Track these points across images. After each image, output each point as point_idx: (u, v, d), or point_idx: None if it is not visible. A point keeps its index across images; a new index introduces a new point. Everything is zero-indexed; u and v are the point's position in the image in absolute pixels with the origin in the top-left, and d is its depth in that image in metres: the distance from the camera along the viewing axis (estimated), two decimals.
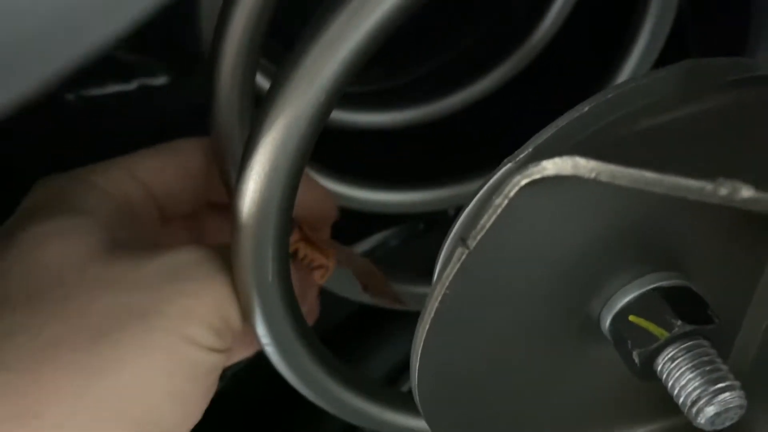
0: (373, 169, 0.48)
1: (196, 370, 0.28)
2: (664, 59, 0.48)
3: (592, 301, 0.28)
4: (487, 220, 0.22)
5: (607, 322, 0.28)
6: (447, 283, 0.23)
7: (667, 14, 0.46)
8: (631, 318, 0.27)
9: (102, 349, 0.26)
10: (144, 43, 0.49)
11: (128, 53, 0.50)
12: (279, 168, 0.25)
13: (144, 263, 0.28)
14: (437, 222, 0.54)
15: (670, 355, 0.26)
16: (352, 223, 0.45)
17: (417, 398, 0.29)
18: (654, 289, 0.27)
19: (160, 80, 0.50)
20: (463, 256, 0.23)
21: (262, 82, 0.44)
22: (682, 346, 0.26)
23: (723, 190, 0.19)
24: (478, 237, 0.22)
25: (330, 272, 0.41)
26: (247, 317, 0.29)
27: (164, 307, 0.27)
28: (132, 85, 0.50)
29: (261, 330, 0.29)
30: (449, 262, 0.23)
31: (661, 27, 0.46)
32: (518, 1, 0.55)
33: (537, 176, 0.21)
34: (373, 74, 0.59)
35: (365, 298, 0.45)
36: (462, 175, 0.49)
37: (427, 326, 0.25)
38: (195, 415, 0.29)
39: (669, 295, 0.27)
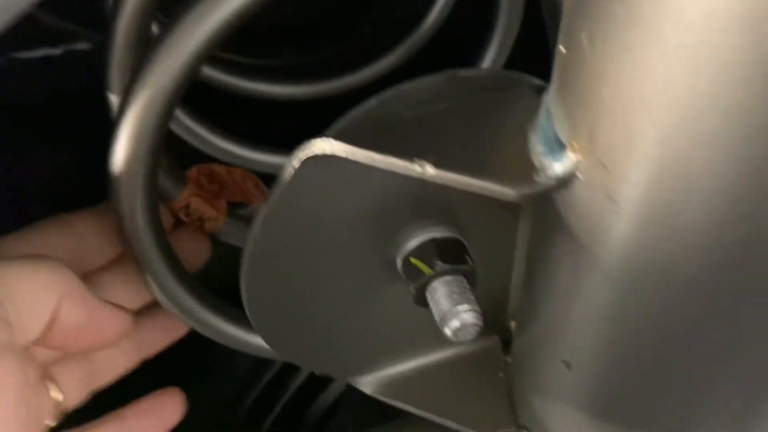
0: (268, 136, 0.57)
1: None
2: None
3: (389, 247, 0.37)
4: (281, 185, 0.31)
5: (399, 263, 0.37)
6: (257, 231, 0.32)
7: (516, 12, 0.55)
8: (411, 259, 0.36)
9: None
10: (68, 9, 0.55)
11: (54, 19, 0.56)
12: (145, 127, 0.34)
13: None
14: None
15: (432, 287, 0.35)
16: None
17: (252, 321, 0.38)
18: (430, 239, 0.36)
19: (84, 45, 0.57)
20: (266, 212, 0.32)
21: None
22: (442, 280, 0.35)
23: (417, 168, 0.28)
24: (275, 198, 0.31)
25: (219, 223, 0.49)
26: (127, 255, 0.38)
27: None
28: (58, 50, 0.57)
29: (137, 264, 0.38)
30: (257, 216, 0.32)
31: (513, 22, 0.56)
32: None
33: (309, 154, 0.30)
34: (285, 50, 0.68)
35: None
36: None
37: (246, 266, 0.34)
38: None
39: (439, 244, 0.36)
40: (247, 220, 0.53)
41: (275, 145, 0.59)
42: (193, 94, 0.40)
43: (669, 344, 0.29)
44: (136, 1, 0.38)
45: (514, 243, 0.40)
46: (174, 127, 0.53)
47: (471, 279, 0.36)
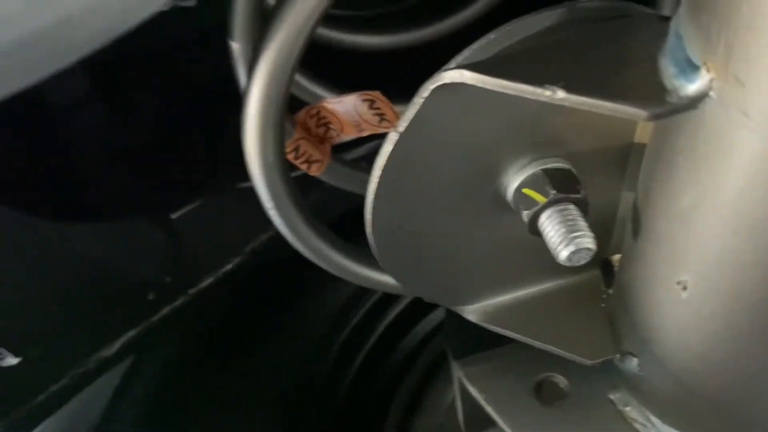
0: (369, 87, 0.59)
1: None
2: None
3: (500, 177, 0.39)
4: (410, 112, 0.33)
5: (510, 194, 0.39)
6: (385, 157, 0.34)
7: None
8: (524, 190, 0.38)
9: None
10: None
11: None
12: (275, 76, 0.36)
13: None
14: None
15: (546, 215, 0.37)
16: None
17: (375, 252, 0.40)
18: (542, 169, 0.38)
19: (191, 1, 0.60)
20: (396, 138, 0.34)
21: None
22: (555, 209, 0.37)
23: (547, 92, 0.29)
24: (404, 125, 0.33)
25: (325, 165, 0.52)
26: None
27: None
28: (165, 6, 0.60)
29: (264, 196, 0.41)
30: (386, 142, 0.34)
31: None
32: None
33: (439, 83, 0.32)
34: (372, 1, 0.69)
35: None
36: None
37: (373, 193, 0.36)
38: None
39: (550, 174, 0.38)
40: (349, 164, 0.55)
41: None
42: None
43: None
44: None
45: (621, 176, 0.41)
46: None
47: (583, 207, 0.38)
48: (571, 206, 0.37)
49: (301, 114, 0.52)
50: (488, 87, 0.30)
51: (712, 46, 0.26)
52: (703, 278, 0.33)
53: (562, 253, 0.36)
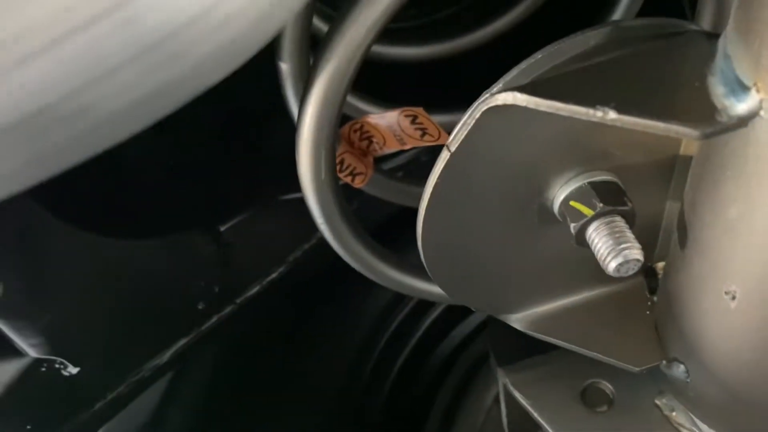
0: (402, 97, 0.60)
1: None
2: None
3: (546, 191, 0.40)
4: (461, 133, 0.34)
5: (557, 207, 0.40)
6: (437, 175, 0.36)
7: None
8: (571, 203, 0.39)
9: None
10: None
11: None
12: (329, 98, 0.37)
13: None
14: None
15: (594, 227, 0.38)
16: None
17: (425, 265, 0.41)
18: (588, 183, 0.39)
19: None
20: (447, 157, 0.35)
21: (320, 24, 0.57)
22: (603, 221, 0.38)
23: (599, 113, 0.30)
24: (456, 144, 0.34)
25: (368, 178, 0.53)
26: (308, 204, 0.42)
27: None
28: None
29: (316, 212, 0.43)
30: (438, 161, 0.35)
31: None
32: None
33: (492, 104, 0.33)
34: (405, 14, 0.71)
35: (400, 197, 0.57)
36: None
37: (425, 209, 0.37)
38: None
39: (597, 187, 0.38)
40: (390, 173, 0.57)
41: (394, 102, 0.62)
42: None
43: None
44: None
45: (666, 187, 0.42)
46: None
47: (629, 218, 0.39)
48: (618, 218, 0.38)
49: (346, 128, 0.54)
50: (541, 109, 0.31)
51: (762, 67, 0.27)
52: (752, 289, 0.33)
53: (611, 265, 0.37)
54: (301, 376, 0.70)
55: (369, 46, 0.37)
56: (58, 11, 0.20)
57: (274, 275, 0.65)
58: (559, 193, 0.40)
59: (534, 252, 0.43)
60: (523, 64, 0.36)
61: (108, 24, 0.21)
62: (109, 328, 0.56)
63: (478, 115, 0.33)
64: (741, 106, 0.28)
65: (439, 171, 0.35)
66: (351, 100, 0.60)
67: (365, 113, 0.61)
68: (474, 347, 0.76)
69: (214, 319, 0.62)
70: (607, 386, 0.49)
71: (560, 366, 0.49)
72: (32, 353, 0.50)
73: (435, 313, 0.74)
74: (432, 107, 0.62)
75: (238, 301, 0.63)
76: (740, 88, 0.28)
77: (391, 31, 0.69)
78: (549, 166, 0.38)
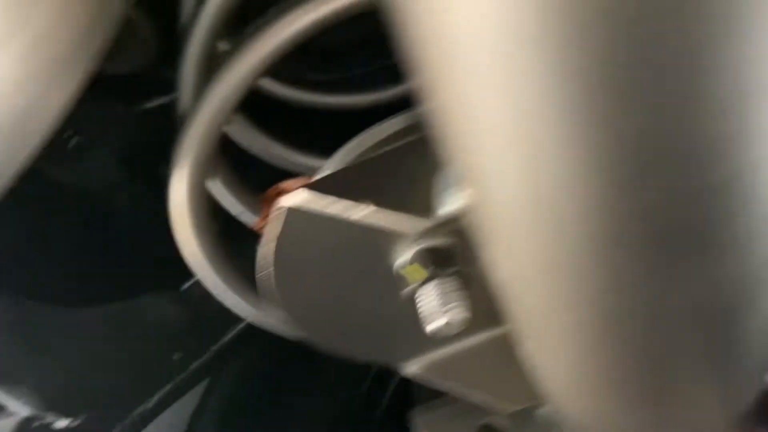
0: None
1: None
2: None
3: (390, 257, 0.44)
4: (275, 230, 0.40)
5: (396, 271, 0.44)
6: (270, 261, 0.41)
7: None
8: (402, 270, 0.43)
9: None
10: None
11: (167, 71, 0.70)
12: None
13: None
14: None
15: (423, 290, 0.42)
16: None
17: (298, 324, 0.47)
18: (424, 248, 0.43)
19: None
20: (273, 246, 0.41)
21: None
22: (433, 284, 0.42)
23: (352, 215, 0.35)
24: (274, 240, 0.40)
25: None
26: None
27: None
28: (170, 98, 0.70)
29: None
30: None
31: None
32: None
33: (289, 204, 0.38)
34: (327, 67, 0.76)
35: None
36: None
37: (279, 291, 0.43)
38: None
39: (431, 251, 0.42)
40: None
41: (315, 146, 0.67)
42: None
43: None
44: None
45: None
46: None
47: (465, 280, 0.42)
48: (449, 279, 0.42)
49: (271, 192, 0.60)
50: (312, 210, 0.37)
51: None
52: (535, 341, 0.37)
53: (428, 328, 0.41)
54: (318, 388, 0.76)
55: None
56: None
57: None
58: (401, 257, 0.44)
59: (399, 308, 0.47)
60: (337, 155, 0.42)
61: None
62: (96, 380, 0.65)
63: (282, 216, 0.39)
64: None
65: (271, 259, 0.41)
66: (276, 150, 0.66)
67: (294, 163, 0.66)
68: None
69: (194, 364, 0.70)
70: (503, 424, 0.52)
71: (464, 405, 0.53)
72: (23, 412, 0.60)
73: None
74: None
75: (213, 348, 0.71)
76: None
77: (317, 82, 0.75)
78: (378, 242, 0.43)
